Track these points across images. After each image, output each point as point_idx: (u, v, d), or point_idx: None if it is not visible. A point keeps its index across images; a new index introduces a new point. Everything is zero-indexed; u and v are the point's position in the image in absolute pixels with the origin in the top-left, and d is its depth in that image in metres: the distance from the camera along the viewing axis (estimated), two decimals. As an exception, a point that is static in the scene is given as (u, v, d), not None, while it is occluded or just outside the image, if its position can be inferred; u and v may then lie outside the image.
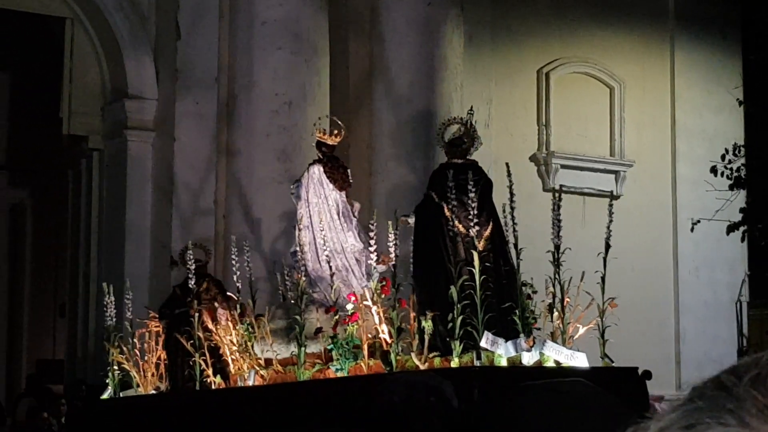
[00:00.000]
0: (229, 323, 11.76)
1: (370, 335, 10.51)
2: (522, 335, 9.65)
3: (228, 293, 12.32)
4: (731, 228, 18.24)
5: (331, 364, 10.72)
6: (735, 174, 18.29)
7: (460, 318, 9.60)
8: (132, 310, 12.87)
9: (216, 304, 12.34)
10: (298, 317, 10.88)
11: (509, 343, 9.59)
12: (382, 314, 10.36)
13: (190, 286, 12.10)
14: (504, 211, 10.15)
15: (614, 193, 19.26)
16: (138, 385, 12.75)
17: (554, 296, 9.80)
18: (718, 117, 20.27)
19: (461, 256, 9.97)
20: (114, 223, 16.80)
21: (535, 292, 10.12)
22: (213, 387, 11.87)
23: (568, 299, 9.78)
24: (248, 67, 15.73)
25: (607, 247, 9.94)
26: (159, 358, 12.65)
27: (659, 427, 1.19)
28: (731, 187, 18.32)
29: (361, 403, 9.59)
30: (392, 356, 10.03)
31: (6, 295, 24.92)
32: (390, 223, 10.41)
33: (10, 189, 24.97)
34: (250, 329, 11.42)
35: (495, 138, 18.24)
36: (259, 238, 14.83)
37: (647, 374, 9.72)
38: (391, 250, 10.27)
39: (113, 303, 12.96)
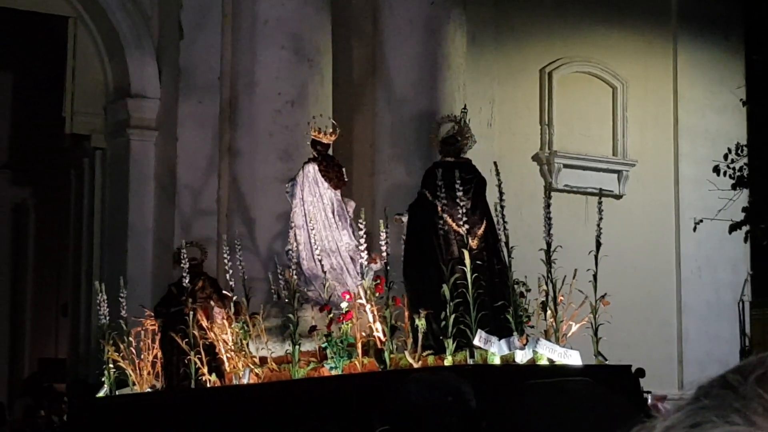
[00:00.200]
0: (225, 322, 11.78)
1: (364, 333, 10.53)
2: (515, 333, 9.66)
3: (224, 292, 12.33)
4: (734, 227, 18.23)
5: (325, 362, 10.73)
6: (737, 173, 18.29)
7: (453, 316, 9.61)
8: (128, 308, 12.88)
9: (212, 303, 12.35)
10: (291, 315, 10.89)
11: (502, 341, 9.60)
12: (376, 312, 10.38)
13: (185, 284, 12.10)
14: (496, 209, 10.15)
15: (617, 192, 19.28)
16: (134, 384, 12.76)
17: (547, 294, 9.82)
18: (720, 117, 20.27)
19: (454, 254, 9.98)
20: (116, 222, 16.81)
21: (528, 290, 10.12)
22: (208, 385, 11.88)
23: (561, 297, 9.79)
24: (250, 66, 15.73)
25: (598, 245, 9.94)
26: (155, 357, 12.66)
27: (665, 426, 1.18)
28: (734, 187, 18.32)
29: (355, 401, 9.66)
30: (386, 354, 10.04)
31: (8, 294, 24.94)
32: (381, 221, 10.43)
33: (12, 188, 24.99)
34: (245, 327, 11.44)
35: (497, 137, 18.25)
36: (261, 238, 14.84)
37: (640, 372, 9.72)
38: (383, 248, 10.29)
39: (106, 302, 12.99)
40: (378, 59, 16.22)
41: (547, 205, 10.01)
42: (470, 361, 9.51)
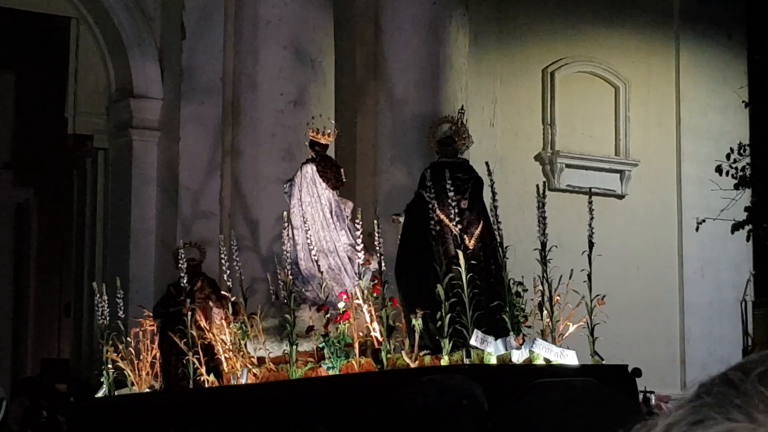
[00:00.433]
0: (223, 322, 11.79)
1: (361, 333, 10.54)
2: (512, 333, 9.66)
3: (222, 292, 12.33)
4: (736, 227, 18.22)
5: (323, 363, 10.74)
6: (740, 173, 18.28)
7: (449, 316, 9.62)
8: (125, 308, 12.89)
9: (210, 303, 12.36)
10: (289, 316, 10.90)
11: (499, 341, 9.60)
12: (373, 313, 10.39)
13: (183, 284, 12.12)
14: (491, 210, 10.15)
15: (619, 192, 19.28)
16: (133, 384, 12.77)
17: (543, 294, 9.82)
18: (723, 116, 20.26)
19: (451, 254, 9.98)
20: (119, 222, 16.81)
21: (525, 290, 10.12)
22: (206, 385, 11.89)
23: (558, 297, 9.79)
24: (253, 66, 15.73)
25: (591, 245, 9.94)
26: (154, 357, 12.67)
27: (667, 423, 1.19)
28: (736, 187, 18.31)
29: (353, 401, 9.68)
30: (383, 354, 10.05)
31: (11, 294, 24.94)
32: (375, 222, 10.43)
33: (15, 188, 24.99)
34: (243, 328, 11.45)
35: (500, 137, 18.26)
36: (263, 238, 14.84)
37: (637, 372, 9.72)
38: (377, 248, 10.29)
39: (107, 302, 13.00)
40: (380, 59, 16.22)
41: (542, 205, 10.00)
42: (467, 361, 9.51)
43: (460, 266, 9.69)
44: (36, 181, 24.77)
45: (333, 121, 12.58)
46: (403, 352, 9.99)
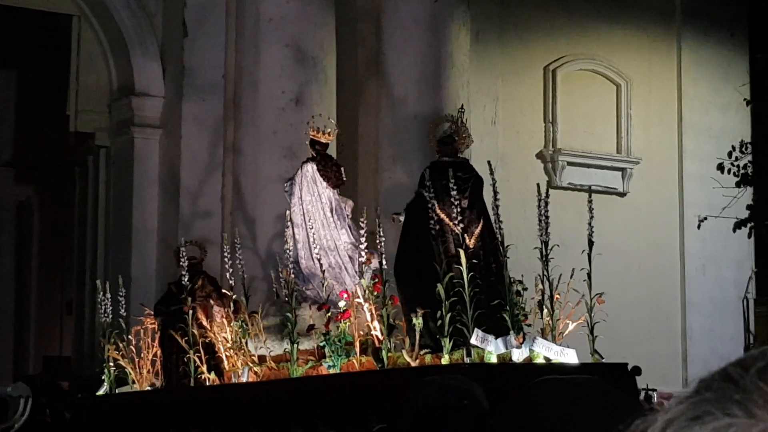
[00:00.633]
0: (224, 320, 11.80)
1: (362, 332, 10.54)
2: (512, 332, 9.67)
3: (223, 290, 12.34)
4: (738, 225, 18.20)
5: (323, 361, 10.76)
6: (742, 171, 18.26)
7: (449, 315, 9.62)
8: (126, 306, 12.90)
9: (211, 301, 12.37)
10: (289, 314, 10.91)
11: (499, 340, 9.60)
12: (374, 311, 10.39)
13: (184, 283, 12.12)
14: (492, 208, 10.14)
15: (621, 190, 19.28)
16: (134, 382, 12.79)
17: (543, 293, 9.82)
18: (724, 114, 20.26)
19: (451, 252, 9.99)
20: (120, 219, 16.82)
21: (525, 289, 10.12)
22: (207, 383, 11.90)
23: (558, 296, 9.79)
24: (254, 64, 15.74)
25: (590, 243, 9.94)
26: (155, 355, 12.68)
27: (666, 419, 1.19)
28: (738, 184, 18.29)
29: (353, 400, 9.69)
30: (384, 353, 10.06)
31: (13, 292, 24.96)
32: (377, 221, 10.43)
33: (16, 186, 25.01)
34: (244, 326, 11.46)
35: (501, 135, 18.26)
36: (264, 236, 14.84)
37: (636, 370, 9.72)
38: (379, 247, 10.29)
39: (108, 300, 13.01)
40: (381, 57, 16.22)
41: (545, 204, 9.99)
42: (467, 360, 9.52)
43: (460, 265, 9.70)
44: (37, 179, 24.79)
45: (333, 121, 12.58)
46: (403, 351, 10.00)
